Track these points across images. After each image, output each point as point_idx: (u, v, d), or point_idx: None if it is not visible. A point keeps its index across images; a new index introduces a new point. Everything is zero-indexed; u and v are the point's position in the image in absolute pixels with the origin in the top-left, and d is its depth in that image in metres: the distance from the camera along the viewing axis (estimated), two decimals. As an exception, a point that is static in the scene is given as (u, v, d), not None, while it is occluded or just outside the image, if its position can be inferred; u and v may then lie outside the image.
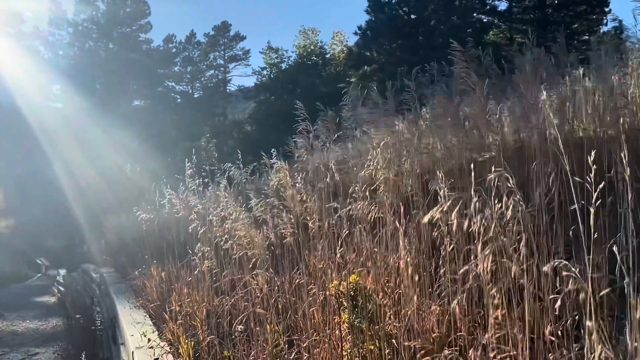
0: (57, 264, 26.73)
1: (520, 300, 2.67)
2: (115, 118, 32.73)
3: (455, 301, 2.68)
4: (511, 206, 2.55)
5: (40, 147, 32.26)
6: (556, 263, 2.36)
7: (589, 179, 2.19)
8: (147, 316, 7.14)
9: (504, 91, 5.45)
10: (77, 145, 30.19)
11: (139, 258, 9.78)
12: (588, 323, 2.21)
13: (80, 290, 15.54)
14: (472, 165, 2.85)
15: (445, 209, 2.62)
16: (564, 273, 2.37)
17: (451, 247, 3.24)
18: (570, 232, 2.58)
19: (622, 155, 2.08)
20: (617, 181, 2.94)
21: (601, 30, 26.19)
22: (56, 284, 20.62)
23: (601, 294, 2.30)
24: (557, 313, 2.64)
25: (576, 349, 2.54)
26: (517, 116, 4.89)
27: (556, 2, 28.29)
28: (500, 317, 2.48)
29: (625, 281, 2.02)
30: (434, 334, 3.23)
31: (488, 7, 31.00)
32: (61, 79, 40.22)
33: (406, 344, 3.17)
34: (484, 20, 31.20)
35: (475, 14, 30.84)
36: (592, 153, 2.22)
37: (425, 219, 2.81)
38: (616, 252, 2.18)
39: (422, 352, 3.15)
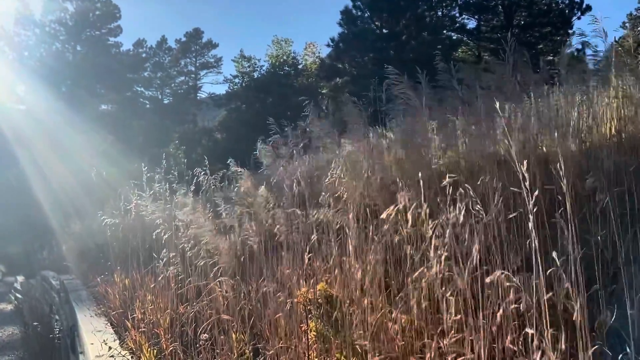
0: (15, 270, 25.81)
1: (478, 308, 2.71)
2: (81, 122, 31.99)
3: (414, 301, 2.71)
4: (463, 210, 2.57)
5: (0, 150, 31.26)
6: (498, 274, 2.38)
7: (525, 189, 2.24)
8: (109, 324, 6.96)
9: (470, 106, 5.57)
10: (39, 149, 29.37)
11: (102, 264, 9.54)
12: (530, 331, 2.23)
13: (39, 297, 15.06)
14: (420, 175, 2.90)
15: (402, 207, 2.65)
16: (506, 284, 2.41)
17: (418, 256, 3.29)
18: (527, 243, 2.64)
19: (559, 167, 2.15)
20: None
21: (565, 51, 27.15)
22: (13, 291, 19.94)
23: (543, 298, 2.31)
24: (503, 323, 2.69)
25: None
26: (480, 132, 4.99)
27: (523, 22, 29.23)
28: (455, 323, 2.52)
29: (564, 285, 2.08)
30: (398, 342, 3.25)
31: (458, 24, 31.79)
32: (26, 80, 39.15)
33: (363, 342, 3.18)
34: (454, 37, 31.95)
35: (445, 31, 31.54)
36: (525, 163, 2.26)
37: (383, 215, 2.84)
38: (557, 260, 2.22)
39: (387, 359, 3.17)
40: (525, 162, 2.20)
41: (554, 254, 2.08)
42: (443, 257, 2.36)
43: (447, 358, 2.55)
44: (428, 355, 2.75)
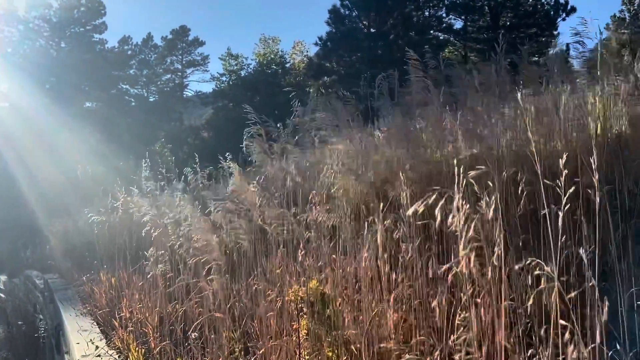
0: (-3, 269, 25.42)
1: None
2: (65, 119, 31.61)
3: (435, 302, 2.71)
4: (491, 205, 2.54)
5: (-18, 147, 30.76)
6: (528, 262, 2.36)
7: (558, 184, 2.24)
8: (95, 323, 6.88)
9: (459, 105, 5.61)
10: (23, 146, 28.97)
11: (87, 263, 9.42)
12: (561, 322, 2.20)
13: (22, 297, 14.84)
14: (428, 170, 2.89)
15: (430, 203, 2.58)
16: (536, 272, 2.38)
17: (410, 255, 3.29)
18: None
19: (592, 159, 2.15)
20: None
21: (550, 52, 27.47)
22: (-4, 291, 19.65)
23: (569, 296, 2.31)
24: (511, 320, 2.70)
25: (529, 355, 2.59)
26: (472, 129, 5.02)
27: (508, 23, 29.52)
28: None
29: (590, 284, 2.07)
30: (392, 340, 3.25)
31: (445, 25, 32.04)
32: (9, 77, 38.61)
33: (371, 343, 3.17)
34: (441, 37, 32.18)
35: (432, 31, 31.75)
36: (564, 156, 2.26)
37: (410, 212, 2.79)
38: (583, 255, 2.20)
39: (381, 357, 3.17)
40: (565, 155, 2.19)
41: (581, 251, 2.08)
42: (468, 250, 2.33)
43: (455, 357, 2.55)
44: (437, 353, 2.75)
